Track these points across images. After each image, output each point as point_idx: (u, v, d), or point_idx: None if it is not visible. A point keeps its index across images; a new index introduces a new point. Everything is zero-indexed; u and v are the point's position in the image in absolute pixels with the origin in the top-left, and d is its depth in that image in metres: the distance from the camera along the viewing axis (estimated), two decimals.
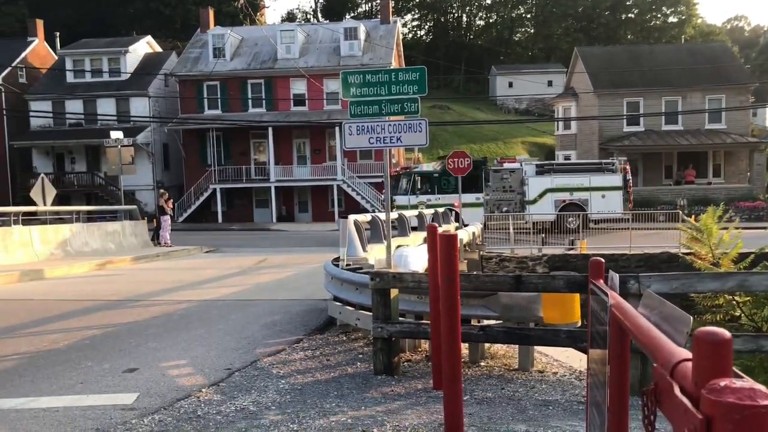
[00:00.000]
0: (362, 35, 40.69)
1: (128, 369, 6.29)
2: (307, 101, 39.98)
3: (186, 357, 6.79)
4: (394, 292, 6.05)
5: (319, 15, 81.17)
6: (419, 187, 26.77)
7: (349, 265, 8.17)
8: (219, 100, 40.28)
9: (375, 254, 9.63)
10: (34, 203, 20.52)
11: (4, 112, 41.22)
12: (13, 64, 42.40)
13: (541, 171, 27.74)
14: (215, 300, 10.70)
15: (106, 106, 40.98)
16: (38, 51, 45.82)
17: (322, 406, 5.15)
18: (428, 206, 22.27)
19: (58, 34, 48.01)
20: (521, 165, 28.26)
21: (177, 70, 41.10)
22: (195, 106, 40.28)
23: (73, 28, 53.14)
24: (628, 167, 28.72)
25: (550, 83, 67.73)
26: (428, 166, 27.40)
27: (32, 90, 42.55)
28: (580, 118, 42.77)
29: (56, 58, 45.71)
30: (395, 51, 41.67)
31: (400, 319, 6.23)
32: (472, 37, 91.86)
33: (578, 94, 43.85)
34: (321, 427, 4.64)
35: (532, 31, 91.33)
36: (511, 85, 72.54)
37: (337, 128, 37.10)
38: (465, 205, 24.08)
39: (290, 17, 78.93)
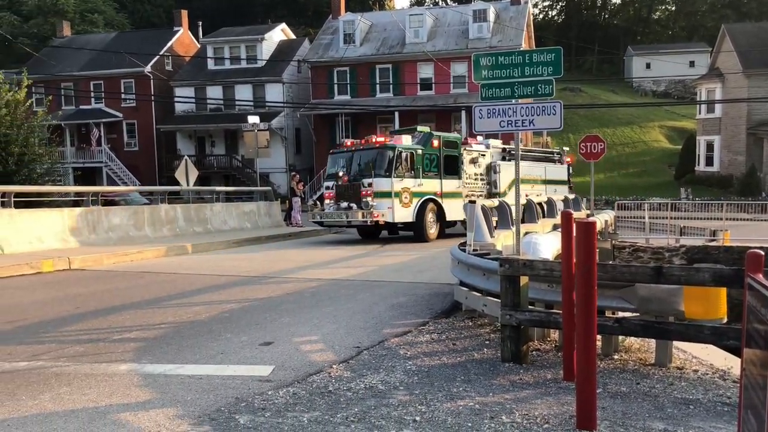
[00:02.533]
0: (491, 17, 39.99)
1: (264, 342, 6.59)
2: (433, 85, 39.94)
3: (317, 333, 7.02)
4: (524, 280, 5.93)
5: None
6: (403, 167, 17.80)
7: (476, 250, 8.09)
8: (348, 85, 41.11)
9: (502, 240, 9.49)
10: (178, 183, 21.93)
11: (152, 98, 44.25)
12: (161, 53, 45.39)
13: (507, 155, 21.86)
14: (343, 279, 10.97)
15: (244, 92, 42.97)
16: (182, 40, 48.74)
17: (450, 390, 5.15)
18: (414, 194, 17.84)
19: (200, 23, 50.77)
20: (487, 147, 21.27)
21: (309, 56, 42.33)
22: (325, 91, 41.37)
23: (214, 17, 55.97)
24: (571, 159, 25.30)
25: (692, 64, 63.60)
26: (406, 140, 18.49)
27: (177, 77, 45.37)
28: (728, 100, 39.85)
29: (198, 46, 48.41)
30: (525, 32, 40.64)
31: (530, 307, 6.10)
32: (607, 16, 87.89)
33: (724, 75, 40.90)
34: (449, 411, 4.65)
35: (673, 8, 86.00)
36: (648, 66, 68.86)
37: (463, 112, 36.83)
38: (446, 195, 18.73)
39: (419, 1, 78.90)
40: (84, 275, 12.25)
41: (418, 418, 4.51)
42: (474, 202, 8.93)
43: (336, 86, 41.31)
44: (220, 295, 9.69)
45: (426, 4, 74.87)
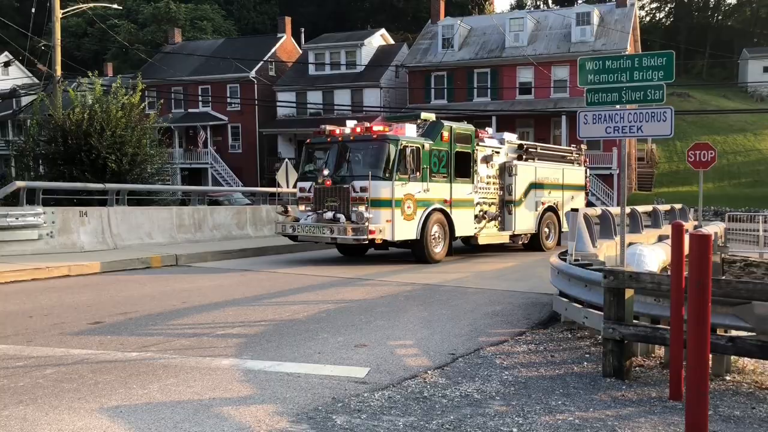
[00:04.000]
0: (595, 20, 38.88)
1: (359, 344, 6.65)
2: (533, 89, 39.24)
3: (411, 338, 7.02)
4: (629, 293, 5.69)
5: (550, 1, 78.98)
6: (407, 167, 13.53)
7: (578, 260, 7.85)
8: (445, 90, 41.04)
9: (605, 251, 9.16)
10: (278, 185, 22.56)
11: (256, 102, 45.80)
12: (264, 59, 46.92)
13: (523, 154, 17.27)
14: (438, 285, 10.93)
15: (342, 97, 43.73)
16: (286, 46, 50.19)
17: (548, 403, 5.02)
18: (419, 203, 13.71)
19: (303, 29, 52.10)
20: (501, 142, 16.70)
21: (407, 61, 42.57)
22: (422, 95, 41.47)
23: (316, 23, 57.32)
24: (587, 159, 20.79)
25: None
26: (410, 130, 14.14)
27: (279, 82, 46.75)
28: None
29: (300, 52, 49.70)
30: (631, 36, 39.26)
31: (634, 321, 5.85)
32: (720, 17, 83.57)
33: None
34: (547, 424, 4.52)
35: None
36: (766, 69, 64.85)
37: (563, 117, 35.97)
38: (456, 204, 14.74)
39: (519, 5, 77.76)
40: (189, 271, 12.79)
41: (515, 430, 4.42)
42: (576, 210, 8.66)
43: (433, 91, 41.33)
44: (317, 296, 9.87)
45: (527, 7, 73.70)
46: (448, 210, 14.43)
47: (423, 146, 13.91)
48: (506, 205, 16.38)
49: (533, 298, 9.67)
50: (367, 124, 13.95)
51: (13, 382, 5.26)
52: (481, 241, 15.49)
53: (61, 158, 20.60)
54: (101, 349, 6.38)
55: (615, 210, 11.28)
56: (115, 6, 36.90)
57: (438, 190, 14.25)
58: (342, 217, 13.30)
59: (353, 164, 13.80)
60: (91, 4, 32.73)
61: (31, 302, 9.19)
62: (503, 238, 16.21)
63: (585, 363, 6.21)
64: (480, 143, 15.63)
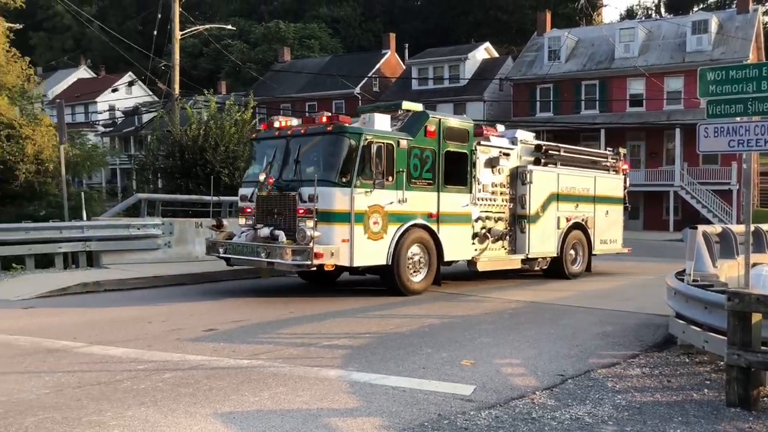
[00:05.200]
0: (713, 28, 36.98)
1: (464, 361, 6.57)
2: (644, 101, 37.73)
3: (518, 357, 6.87)
4: (756, 317, 5.32)
5: (662, 10, 75.94)
6: (373, 170, 10.52)
7: (696, 280, 7.43)
8: (551, 102, 40.22)
9: (726, 271, 8.63)
10: None
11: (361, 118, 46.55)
12: (369, 75, 47.74)
13: (542, 157, 13.86)
14: (543, 303, 10.66)
15: (445, 111, 43.74)
16: (390, 61, 50.87)
17: (665, 430, 4.75)
18: (391, 217, 10.71)
19: (407, 45, 52.62)
20: (513, 143, 13.54)
21: (512, 74, 42.08)
22: (527, 108, 40.83)
23: (420, 39, 57.78)
24: (628, 166, 17.10)
25: None
26: (381, 122, 11.08)
27: (383, 98, 47.35)
28: None
29: (404, 67, 50.20)
30: (753, 43, 37.04)
31: (762, 348, 5.45)
32: None
33: None
34: None
35: None
36: None
37: (677, 130, 34.35)
38: (446, 218, 11.63)
39: (630, 14, 75.25)
40: (294, 282, 13.08)
41: None
42: (695, 227, 8.20)
43: (538, 103, 40.60)
44: (420, 310, 9.85)
45: (638, 16, 71.20)
46: (433, 226, 11.33)
47: (398, 143, 10.81)
48: (518, 220, 13.15)
49: (645, 318, 9.23)
50: (322, 115, 10.97)
51: (136, 384, 5.56)
52: (482, 266, 12.31)
53: (178, 172, 21.73)
54: (215, 356, 6.64)
55: (736, 228, 10.59)
56: (229, 27, 38.69)
57: (420, 200, 11.14)
58: (281, 234, 10.29)
59: (304, 165, 10.71)
60: (207, 26, 34.50)
61: (151, 308, 9.70)
62: (513, 263, 13.06)
63: (705, 390, 5.85)
64: (482, 142, 12.49)
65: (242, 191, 11.71)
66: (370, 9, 70.57)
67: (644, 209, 37.52)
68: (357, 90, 46.78)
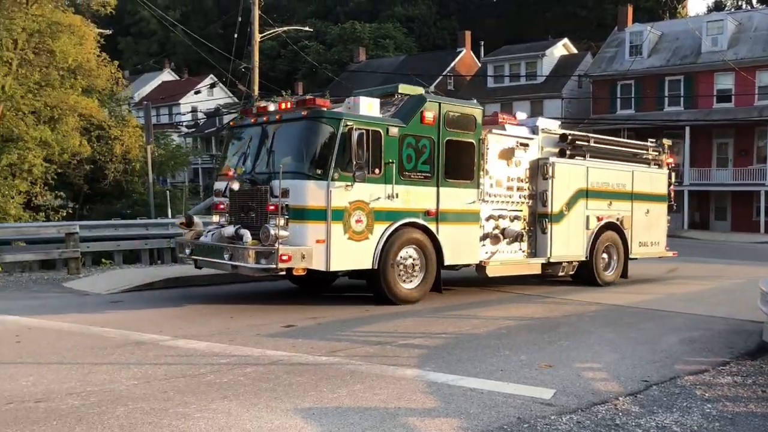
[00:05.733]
0: None
1: (543, 364, 6.44)
2: (733, 97, 36.07)
3: (599, 361, 6.68)
4: None
5: (754, 0, 72.34)
6: (354, 160, 9.12)
7: None
8: (632, 99, 39.00)
9: None
10: None
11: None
12: (444, 73, 47.55)
13: (567, 147, 12.28)
14: (624, 306, 10.33)
15: (522, 109, 43.01)
16: (465, 60, 50.52)
17: None
18: (378, 214, 9.51)
19: (482, 43, 52.13)
20: (534, 132, 12.07)
21: (591, 70, 41.05)
22: (607, 106, 39.73)
23: (495, 36, 57.08)
24: (673, 159, 15.25)
25: None
26: (368, 106, 9.76)
27: (457, 96, 47.12)
28: None
29: (479, 65, 49.76)
30: None
31: None
32: None
33: None
34: None
35: None
36: None
37: None
38: (447, 217, 10.31)
39: (717, 6, 72.08)
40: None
41: None
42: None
43: (619, 100, 39.41)
44: (497, 311, 9.74)
45: (727, 8, 68.09)
46: (431, 226, 10.09)
47: (387, 130, 9.61)
48: (539, 220, 11.78)
49: (735, 324, 8.82)
50: (305, 97, 10.06)
51: (219, 378, 5.72)
52: (493, 271, 11.02)
53: None
54: (293, 352, 6.75)
55: None
56: (306, 28, 39.33)
57: (414, 196, 9.91)
58: (246, 233, 9.16)
59: (278, 156, 9.46)
60: (285, 28, 35.18)
61: (232, 304, 9.96)
62: (531, 267, 11.68)
63: None
64: (494, 131, 11.23)
65: (216, 185, 10.56)
66: (445, 7, 70.27)
67: (732, 210, 35.86)
68: (431, 89, 46.58)
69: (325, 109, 9.44)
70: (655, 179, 14.09)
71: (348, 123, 9.20)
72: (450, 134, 10.39)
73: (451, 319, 8.97)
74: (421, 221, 10.00)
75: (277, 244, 8.55)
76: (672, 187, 14.69)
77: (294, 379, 5.69)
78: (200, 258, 9.89)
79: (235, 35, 29.06)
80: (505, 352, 6.90)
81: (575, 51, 47.58)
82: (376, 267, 9.46)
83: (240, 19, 28.72)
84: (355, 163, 9.09)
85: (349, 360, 6.43)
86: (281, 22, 44.73)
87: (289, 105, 9.80)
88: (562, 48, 46.40)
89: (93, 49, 25.46)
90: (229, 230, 9.44)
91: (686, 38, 38.55)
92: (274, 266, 8.60)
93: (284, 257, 8.57)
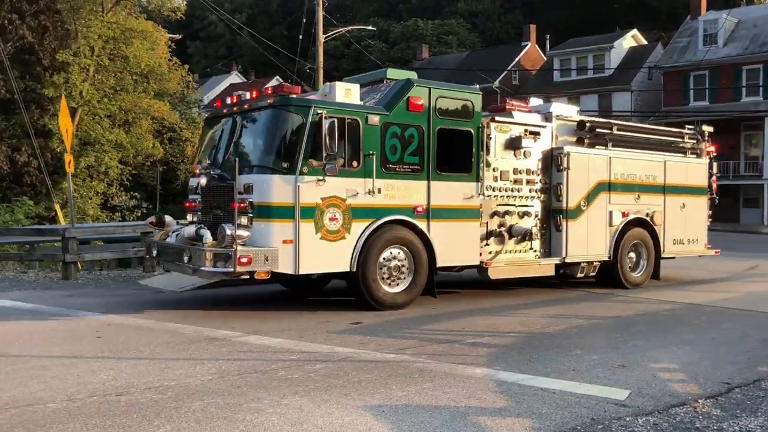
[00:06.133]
0: None
1: (617, 364, 6.27)
2: None
3: (676, 362, 6.45)
4: None
5: None
6: (326, 152, 8.32)
7: None
8: (707, 90, 37.57)
9: None
10: None
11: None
12: (508, 68, 46.95)
13: (585, 136, 11.39)
14: (701, 305, 9.96)
15: (589, 102, 42.11)
16: (530, 54, 49.71)
17: None
18: (357, 211, 8.80)
19: (548, 36, 51.22)
20: (547, 119, 11.13)
21: (662, 61, 39.78)
22: (679, 98, 38.42)
23: (562, 29, 55.98)
24: (715, 148, 13.53)
25: None
26: (345, 93, 9.00)
27: (522, 91, 46.40)
28: None
29: (545, 59, 48.88)
30: None
31: None
32: None
33: None
34: None
35: None
36: None
37: None
38: (441, 213, 9.48)
39: None
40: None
41: None
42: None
43: (692, 92, 38.03)
44: (567, 309, 9.55)
45: None
46: (421, 223, 9.26)
47: (366, 119, 8.83)
48: (553, 216, 10.83)
49: None
50: (268, 87, 9.27)
51: (290, 374, 5.80)
52: (496, 273, 10.10)
53: None
54: (362, 349, 6.79)
55: None
56: (369, 27, 39.53)
57: (400, 191, 9.13)
58: (206, 234, 8.51)
59: (246, 148, 9.04)
60: (349, 27, 35.45)
61: (300, 302, 10.10)
62: (543, 268, 10.71)
63: None
64: (497, 118, 10.38)
65: (192, 181, 9.96)
66: (509, 1, 69.35)
67: None
68: (496, 84, 46.14)
69: (295, 96, 8.74)
70: (692, 170, 12.80)
71: (319, 111, 8.42)
72: (442, 122, 9.52)
73: (520, 318, 8.85)
74: (408, 218, 9.18)
75: (235, 246, 7.87)
76: (714, 178, 13.31)
77: (363, 376, 5.72)
78: (165, 260, 9.52)
79: (300, 36, 29.44)
80: (577, 352, 6.76)
81: (645, 42, 46.17)
82: (354, 269, 8.74)
83: (305, 20, 29.11)
84: (325, 155, 8.31)
85: (418, 358, 6.42)
86: (344, 22, 45.11)
87: (257, 93, 9.16)
88: (631, 39, 45.12)
89: (164, 53, 26.27)
90: (190, 230, 8.86)
91: (765, 25, 36.91)
92: (231, 269, 7.91)
93: (243, 260, 7.90)
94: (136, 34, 24.32)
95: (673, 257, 12.80)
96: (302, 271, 8.40)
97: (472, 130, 9.82)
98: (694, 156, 13.02)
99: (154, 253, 9.71)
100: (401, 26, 65.37)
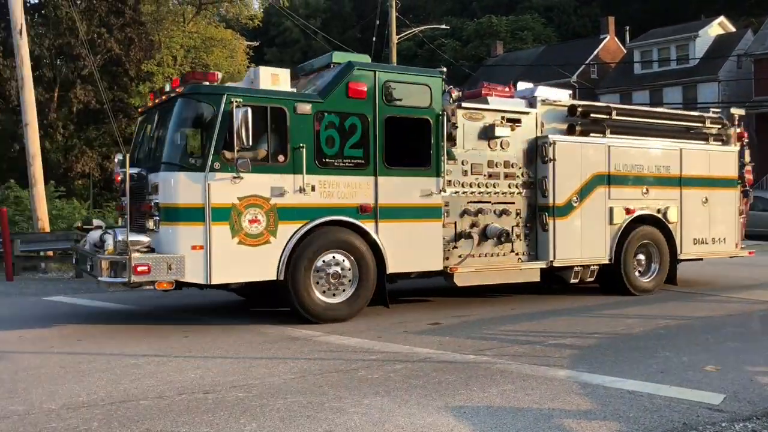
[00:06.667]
0: None
1: (709, 366, 6.00)
2: None
3: None
4: None
5: None
6: (239, 146, 7.46)
7: None
8: None
9: None
10: None
11: None
12: (586, 62, 45.79)
13: (577, 122, 10.12)
14: None
15: (673, 95, 40.61)
16: (608, 47, 48.33)
17: None
18: (284, 212, 7.83)
19: (627, 28, 49.66)
20: (531, 104, 9.92)
21: (752, 49, 37.91)
22: None
23: (641, 21, 54.17)
24: (744, 132, 11.83)
25: None
26: (271, 78, 8.15)
27: (602, 84, 45.20)
28: None
29: (624, 51, 47.42)
30: None
31: None
32: None
33: None
34: None
35: None
36: None
37: None
38: (392, 212, 8.45)
39: None
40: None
41: None
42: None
43: None
44: (652, 309, 9.22)
45: None
46: (367, 224, 8.28)
47: (293, 108, 7.90)
48: (539, 214, 9.69)
49: None
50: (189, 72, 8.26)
51: (370, 373, 5.83)
52: (463, 279, 9.02)
53: None
54: (441, 350, 6.75)
55: None
56: (443, 26, 39.39)
57: (341, 188, 8.16)
58: (109, 240, 7.63)
59: (158, 143, 8.17)
60: (422, 27, 35.45)
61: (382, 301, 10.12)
62: (525, 273, 9.54)
63: None
64: (464, 104, 9.22)
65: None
66: None
67: None
68: (574, 78, 45.11)
69: (208, 83, 7.81)
70: (717, 159, 11.23)
71: (234, 99, 7.52)
72: (392, 110, 8.47)
73: (603, 318, 8.61)
74: (350, 219, 8.19)
75: (129, 253, 7.12)
76: (748, 168, 11.71)
77: (443, 377, 5.69)
78: (81, 268, 8.86)
79: (373, 38, 29.62)
80: (665, 353, 6.51)
81: (733, 29, 44.08)
82: (282, 278, 7.84)
83: (377, 22, 29.29)
84: (238, 148, 7.45)
85: (498, 359, 6.34)
86: (417, 22, 45.09)
87: (176, 83, 8.19)
88: (717, 27, 43.17)
89: (243, 60, 26.98)
90: (95, 236, 8.16)
91: None
92: (126, 279, 7.16)
93: (141, 268, 7.13)
94: (216, 42, 25.12)
95: (699, 259, 11.57)
96: (215, 281, 7.56)
97: (430, 119, 8.68)
98: (720, 142, 11.54)
99: (74, 260, 9.20)
100: (475, 24, 64.83)
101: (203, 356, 6.62)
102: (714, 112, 12.25)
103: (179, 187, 7.45)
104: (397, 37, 28.52)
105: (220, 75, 8.13)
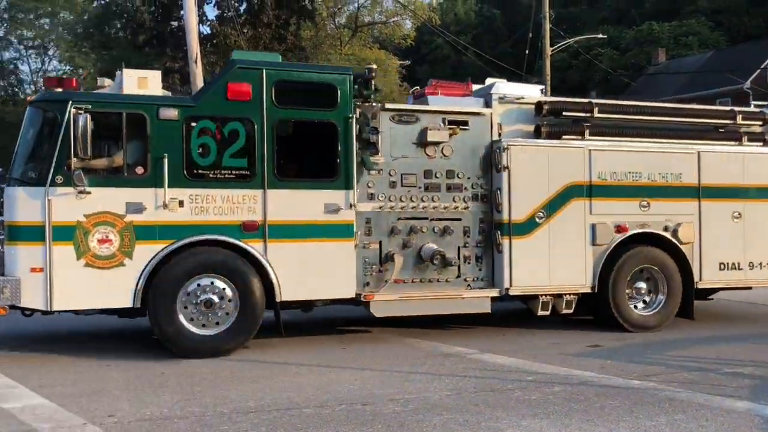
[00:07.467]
0: None
1: None
2: None
3: None
4: None
5: None
6: (85, 156, 6.70)
7: None
8: None
9: None
10: None
11: None
12: (762, 66, 42.21)
13: (543, 123, 8.27)
14: None
15: None
16: None
17: None
18: (142, 230, 6.92)
19: None
20: (487, 104, 8.20)
21: None
22: None
23: None
24: None
25: None
26: (141, 82, 7.29)
27: None
28: None
29: None
30: None
31: None
32: None
33: None
34: None
35: None
36: None
37: None
38: (280, 231, 7.25)
39: None
40: None
41: None
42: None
43: None
44: None
45: None
46: (253, 245, 7.25)
47: (156, 113, 7.02)
48: (494, 231, 8.25)
49: None
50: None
51: (526, 394, 5.69)
52: (382, 309, 7.86)
53: None
54: (602, 373, 6.46)
55: None
56: (600, 36, 38.04)
57: (219, 203, 7.18)
58: None
59: (19, 155, 7.40)
60: (577, 38, 34.46)
61: (531, 322, 9.77)
62: (470, 303, 8.20)
63: None
64: (387, 105, 8.14)
65: None
66: None
67: None
68: (747, 84, 41.76)
69: (59, 90, 7.04)
70: (756, 163, 9.18)
71: (80, 106, 6.74)
72: (286, 113, 7.49)
73: None
74: (230, 239, 7.17)
75: None
76: None
77: (606, 402, 5.42)
78: None
79: (526, 51, 29.26)
80: None
81: None
82: (139, 305, 6.96)
83: (530, 35, 28.88)
84: (77, 159, 6.68)
85: (666, 386, 5.94)
86: (571, 33, 43.84)
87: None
88: None
89: (396, 79, 27.64)
90: None
91: None
92: None
93: None
94: (371, 62, 25.94)
95: (746, 288, 9.45)
96: (57, 307, 6.81)
97: (337, 123, 7.55)
98: (759, 143, 9.43)
99: None
100: (634, 31, 61.99)
101: (360, 368, 6.78)
102: (756, 107, 10.14)
103: (18, 204, 6.86)
104: (552, 48, 27.91)
105: (78, 81, 7.44)
